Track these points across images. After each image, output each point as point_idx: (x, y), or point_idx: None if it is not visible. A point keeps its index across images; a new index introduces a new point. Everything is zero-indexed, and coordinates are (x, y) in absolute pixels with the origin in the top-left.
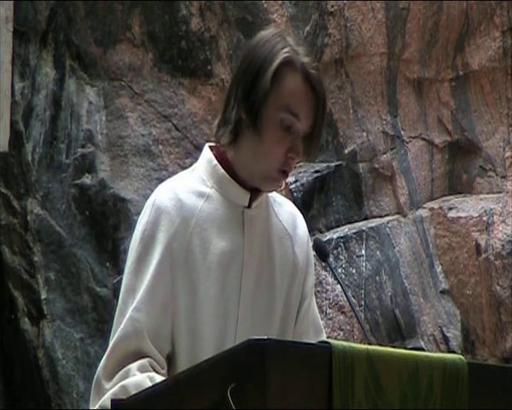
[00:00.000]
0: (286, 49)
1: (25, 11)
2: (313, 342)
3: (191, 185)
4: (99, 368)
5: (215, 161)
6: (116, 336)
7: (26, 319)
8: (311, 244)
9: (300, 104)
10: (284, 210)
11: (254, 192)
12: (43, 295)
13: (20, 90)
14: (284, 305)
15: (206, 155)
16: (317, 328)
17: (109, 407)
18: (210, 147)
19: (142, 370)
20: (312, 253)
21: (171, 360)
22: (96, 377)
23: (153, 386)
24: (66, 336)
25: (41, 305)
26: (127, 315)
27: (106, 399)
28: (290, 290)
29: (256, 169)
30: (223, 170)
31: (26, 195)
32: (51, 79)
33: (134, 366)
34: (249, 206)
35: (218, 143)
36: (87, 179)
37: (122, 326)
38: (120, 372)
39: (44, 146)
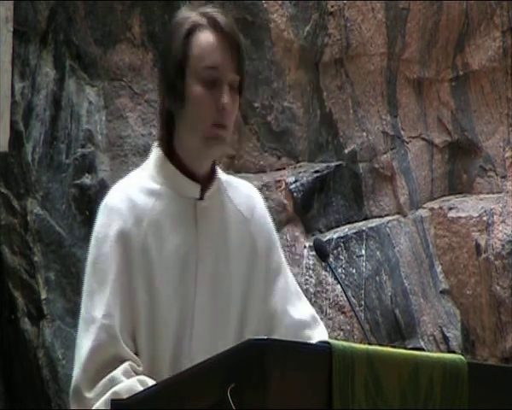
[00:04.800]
0: (190, 19)
1: (25, 11)
2: (305, 314)
3: (142, 184)
4: (75, 378)
5: (163, 157)
6: (91, 345)
7: (26, 319)
8: (270, 220)
9: (215, 55)
10: (240, 193)
11: (205, 183)
12: (43, 295)
13: (20, 90)
14: (243, 294)
15: (155, 152)
16: (299, 296)
17: None
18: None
19: (127, 375)
20: (274, 229)
21: None
22: (72, 387)
23: (152, 386)
24: (66, 336)
25: (41, 305)
26: (98, 324)
27: (99, 405)
28: (250, 277)
29: (195, 138)
30: (171, 164)
31: (26, 195)
32: (51, 79)
33: (118, 372)
34: (201, 198)
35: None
36: (87, 179)
37: (95, 336)
38: (103, 381)
39: (44, 146)
